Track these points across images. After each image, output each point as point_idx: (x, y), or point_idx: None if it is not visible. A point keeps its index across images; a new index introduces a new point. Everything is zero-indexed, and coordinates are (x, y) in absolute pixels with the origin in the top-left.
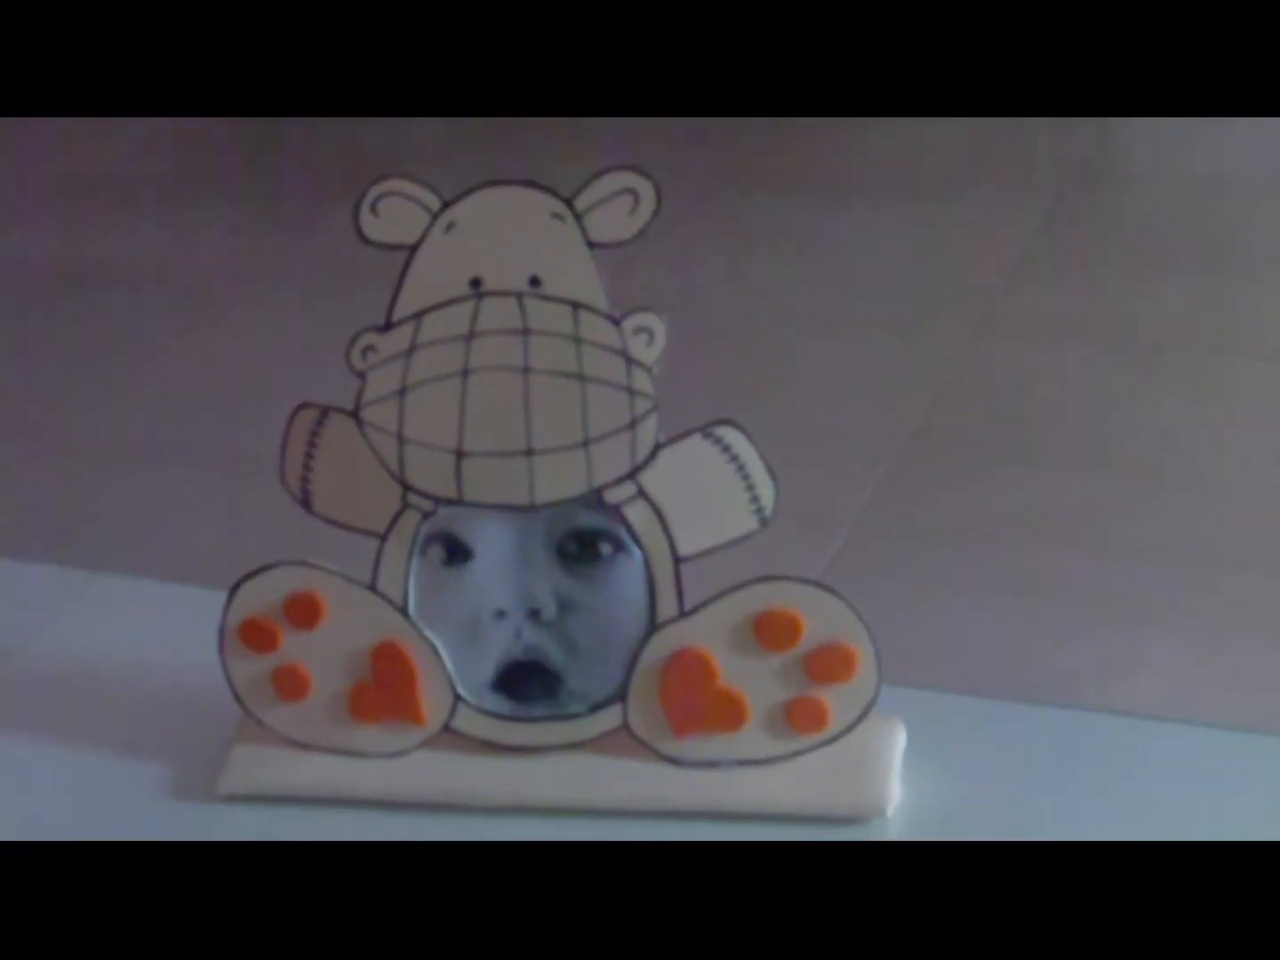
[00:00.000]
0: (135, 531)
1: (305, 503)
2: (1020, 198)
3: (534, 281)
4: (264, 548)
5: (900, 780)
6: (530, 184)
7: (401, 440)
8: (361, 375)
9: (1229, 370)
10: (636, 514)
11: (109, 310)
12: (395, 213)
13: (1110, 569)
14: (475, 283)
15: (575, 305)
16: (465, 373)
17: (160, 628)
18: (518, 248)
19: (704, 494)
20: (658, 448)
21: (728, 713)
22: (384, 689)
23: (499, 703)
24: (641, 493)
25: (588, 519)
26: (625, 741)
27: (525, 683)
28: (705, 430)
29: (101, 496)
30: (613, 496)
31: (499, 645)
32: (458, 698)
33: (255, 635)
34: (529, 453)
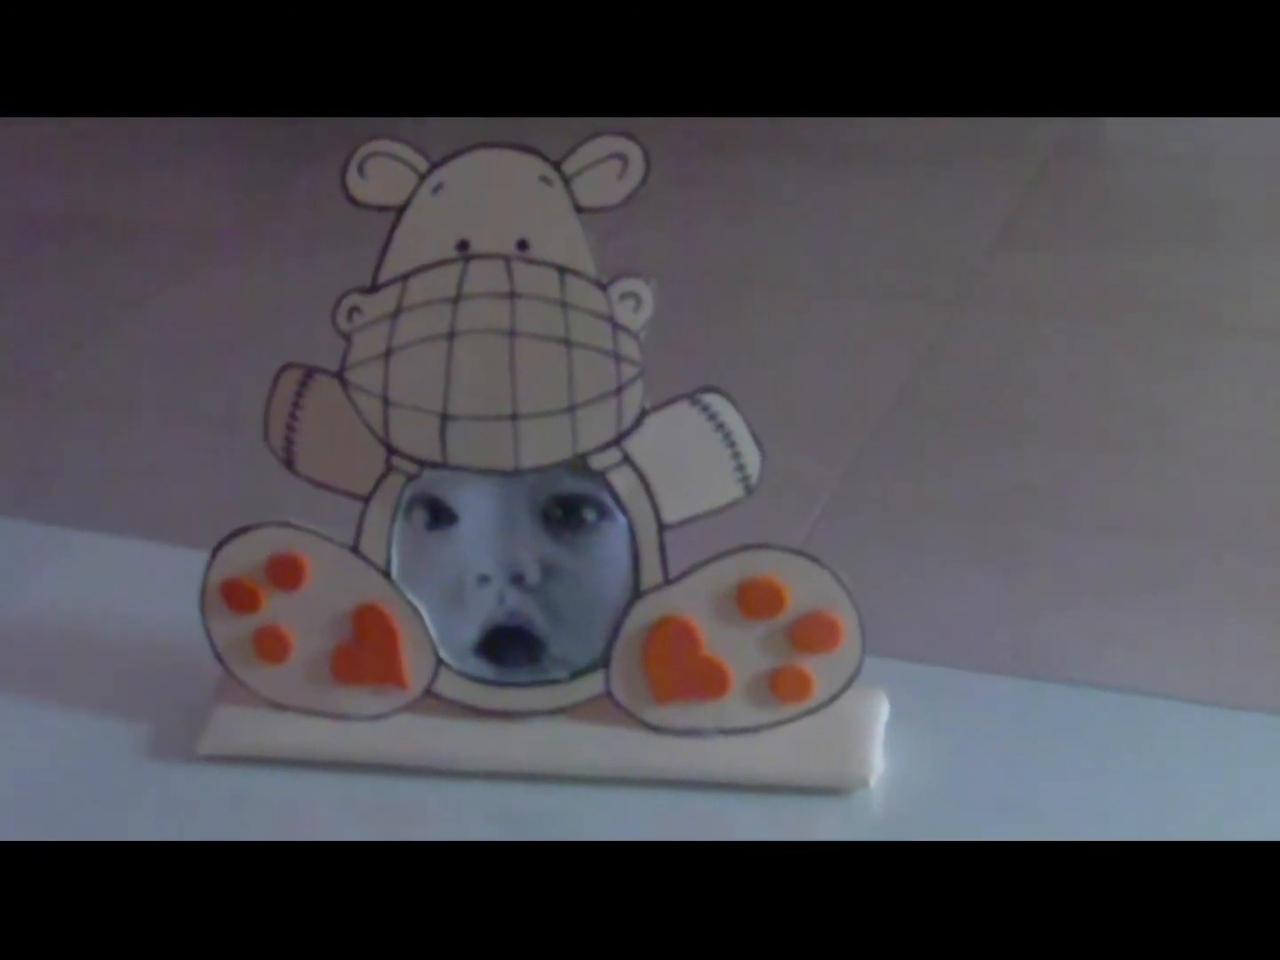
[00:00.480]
0: (114, 488)
1: (289, 463)
2: (1004, 169)
3: (522, 245)
4: (246, 507)
5: (883, 751)
6: (519, 147)
7: (387, 402)
8: (347, 337)
9: (1213, 345)
10: (621, 480)
11: (89, 262)
12: (383, 173)
13: (1092, 543)
14: (462, 245)
15: (562, 269)
16: (451, 335)
17: (140, 586)
18: (506, 210)
19: (689, 461)
20: (643, 414)
21: (710, 681)
22: (366, 651)
23: (481, 667)
24: (627, 459)
25: (572, 484)
26: (607, 708)
27: (508, 648)
28: (692, 397)
29: (79, 451)
30: (598, 462)
31: (482, 610)
32: (440, 661)
33: (237, 595)
34: (514, 417)
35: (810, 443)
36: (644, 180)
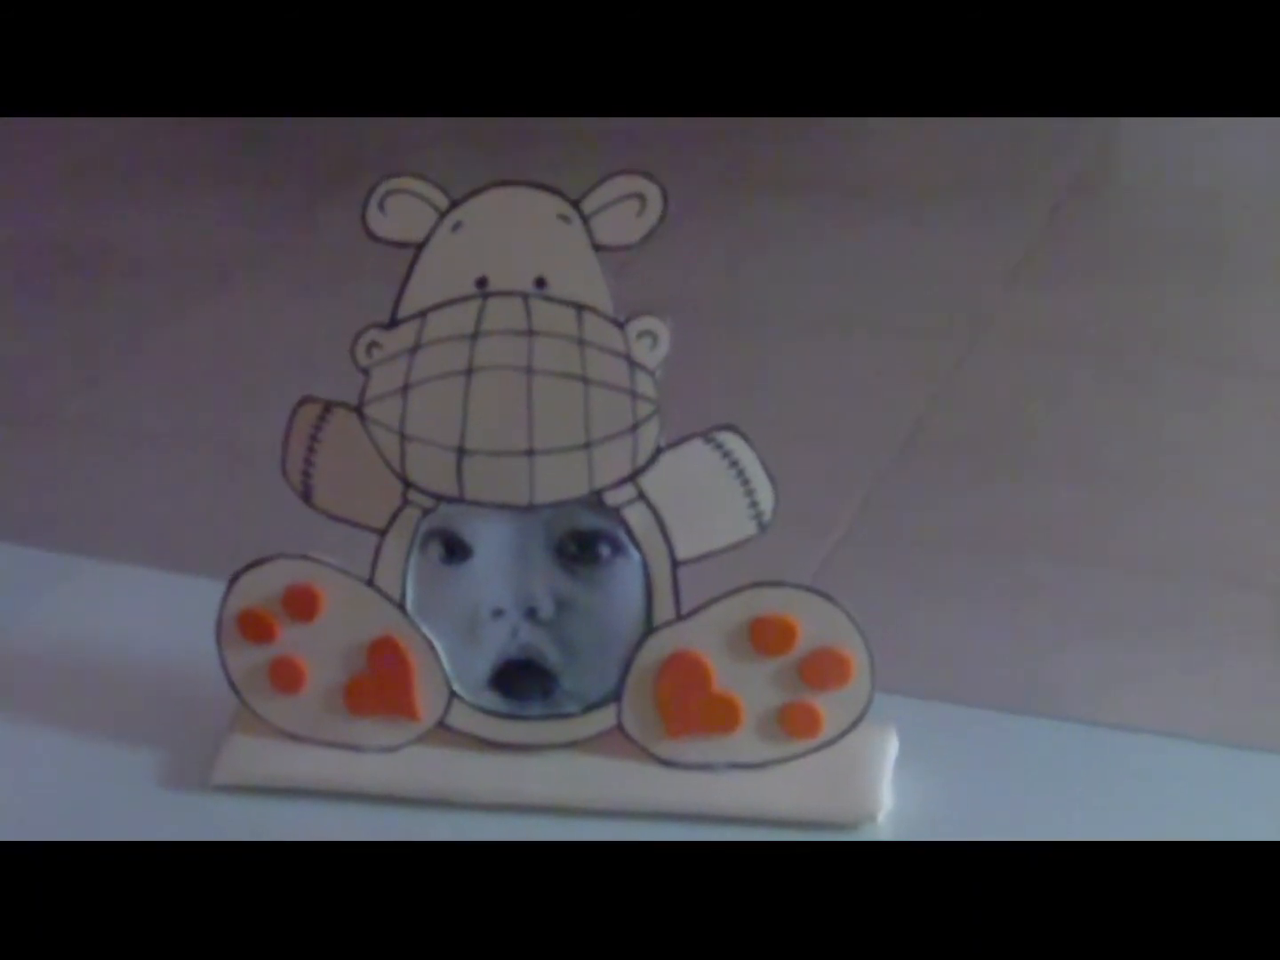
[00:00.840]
0: (129, 518)
1: (306, 496)
2: (1018, 205)
3: (540, 282)
4: (261, 538)
5: (891, 787)
6: (538, 185)
7: (404, 437)
8: (365, 371)
9: (1224, 384)
10: (636, 517)
11: (106, 294)
12: (403, 210)
13: (1102, 580)
14: (481, 282)
15: (580, 307)
16: (469, 371)
17: (155, 616)
18: (524, 248)
19: (703, 498)
20: (659, 451)
21: (721, 716)
22: (380, 684)
23: (494, 700)
24: (641, 496)
25: (587, 520)
26: (619, 742)
27: (521, 681)
28: (706, 435)
29: (94, 481)
30: (613, 499)
31: (496, 643)
32: (453, 694)
33: (253, 626)
34: (530, 453)
35: (824, 477)
36: (662, 219)
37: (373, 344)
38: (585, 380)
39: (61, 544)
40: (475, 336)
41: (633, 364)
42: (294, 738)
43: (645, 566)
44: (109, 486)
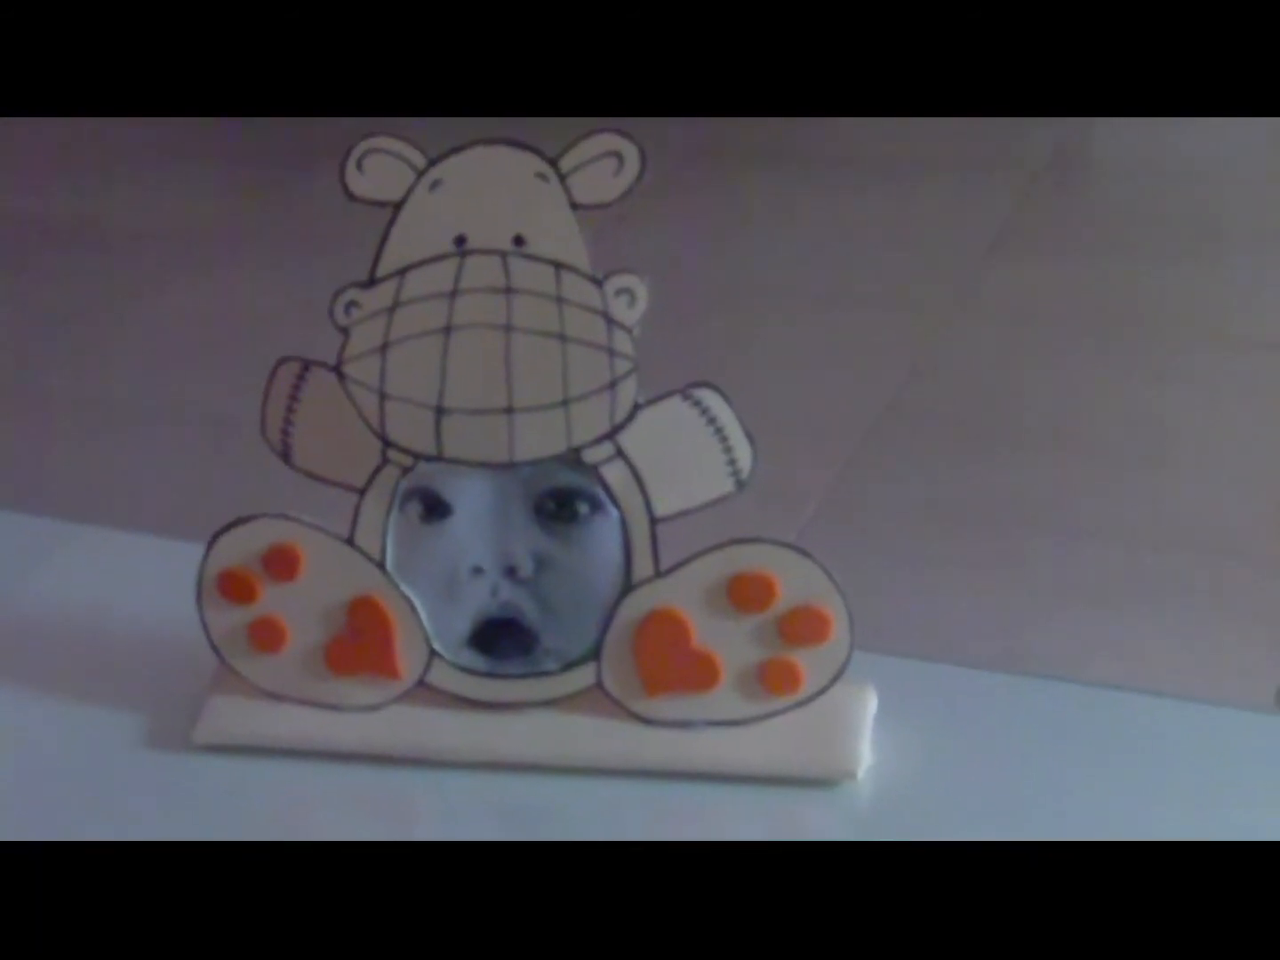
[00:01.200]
0: (113, 485)
1: (285, 456)
2: (997, 179)
3: (518, 241)
4: (242, 502)
5: (871, 744)
6: (515, 143)
7: (383, 396)
8: (344, 330)
9: (1206, 356)
10: (614, 474)
11: (86, 265)
12: (381, 169)
13: (1084, 551)
14: (459, 240)
15: (558, 265)
16: (448, 330)
17: (137, 579)
18: (502, 207)
19: (681, 455)
20: (636, 408)
21: (700, 673)
22: (360, 643)
23: (474, 659)
24: (620, 453)
25: (566, 478)
26: (598, 700)
27: (501, 639)
28: (684, 392)
29: (79, 450)
30: (591, 456)
31: (475, 602)
32: (433, 653)
33: (233, 586)
34: (509, 411)
35: (802, 448)
36: (639, 178)
37: (351, 303)
38: (563, 338)
39: (45, 510)
40: (454, 295)
41: (610, 321)
42: (275, 697)
43: (624, 524)
44: (94, 456)
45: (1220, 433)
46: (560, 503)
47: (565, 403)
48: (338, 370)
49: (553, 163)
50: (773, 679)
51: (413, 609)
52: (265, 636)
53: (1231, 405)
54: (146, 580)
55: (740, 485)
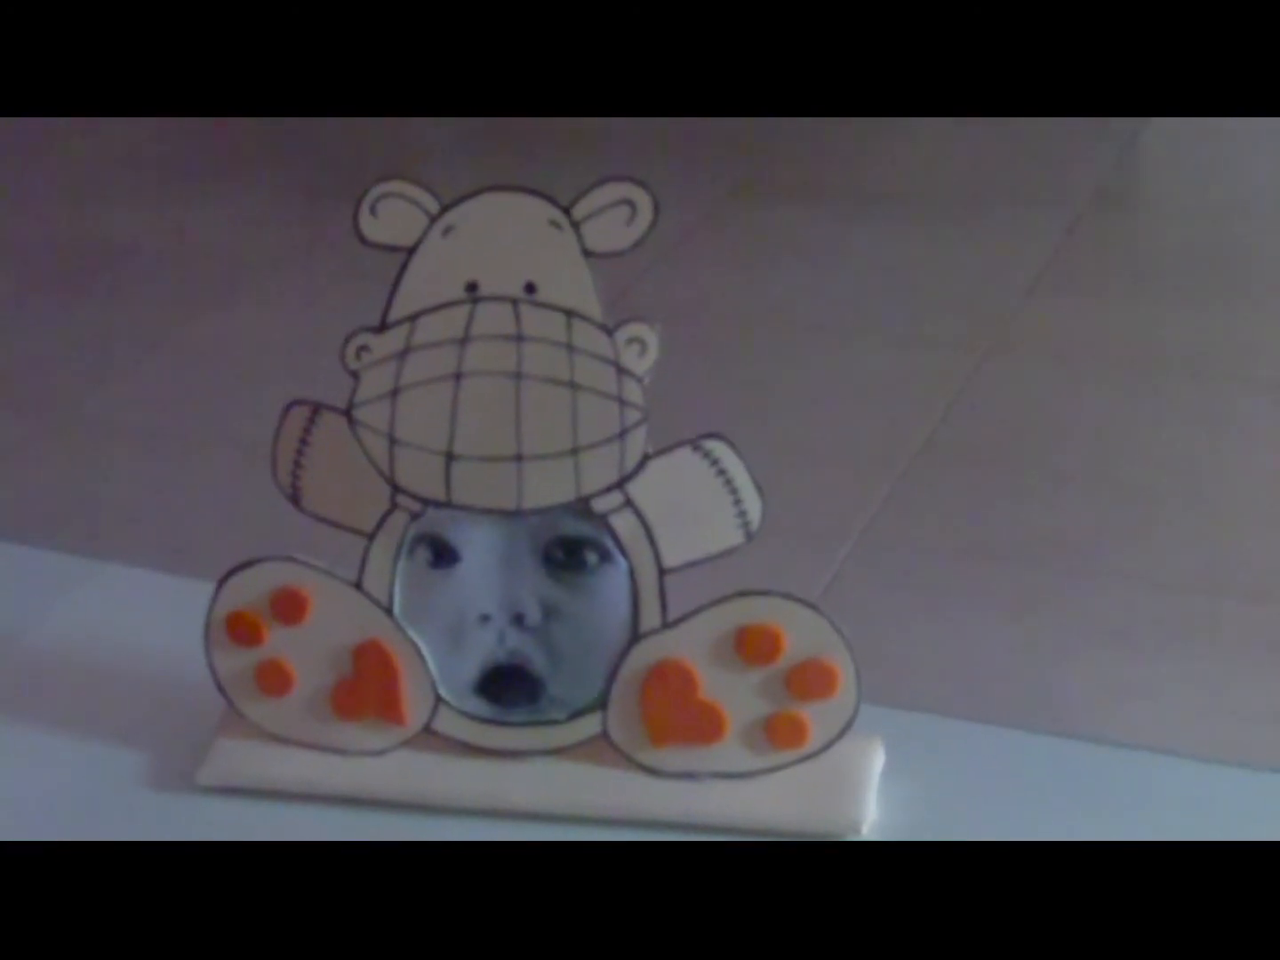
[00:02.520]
0: (140, 518)
1: (295, 498)
2: (1039, 217)
3: (529, 288)
4: (262, 540)
5: (877, 800)
6: (529, 190)
7: (392, 441)
8: (355, 375)
9: (1242, 400)
10: (623, 524)
11: (121, 292)
12: (394, 214)
13: (1115, 595)
14: (471, 287)
15: (569, 313)
16: (458, 376)
17: (153, 618)
18: (514, 254)
19: (690, 506)
20: (646, 459)
21: (707, 725)
22: (366, 687)
23: (480, 706)
24: (629, 503)
25: (574, 527)
26: (604, 750)
27: (507, 687)
28: (694, 443)
29: (103, 481)
30: (600, 505)
31: (482, 649)
32: (439, 699)
33: (240, 629)
34: (518, 458)
35: (838, 487)
36: (652, 226)
37: (362, 347)
38: (574, 386)
39: (71, 545)
40: (465, 341)
41: (621, 371)
42: (280, 740)
43: (632, 574)
44: (123, 486)
45: (1256, 476)
46: (568, 551)
47: (575, 451)
48: (348, 414)
49: (566, 210)
50: (779, 732)
51: (419, 655)
52: (271, 679)
53: (1268, 449)
54: (166, 620)
55: (749, 536)
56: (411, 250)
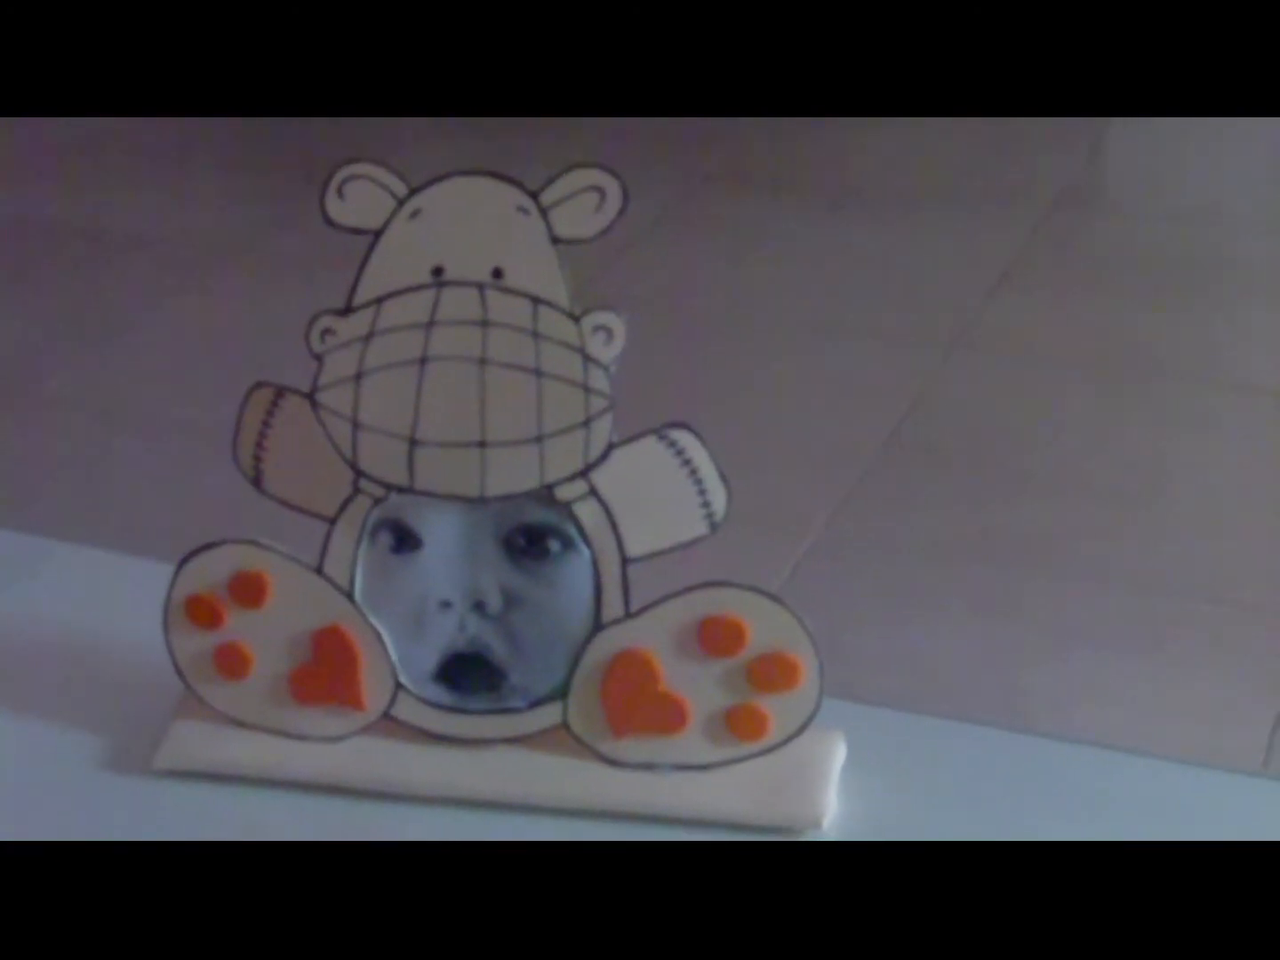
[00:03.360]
0: (101, 499)
1: (257, 481)
2: (1006, 215)
3: (496, 273)
4: (226, 523)
5: (838, 793)
6: (496, 175)
7: (355, 425)
8: (319, 358)
9: (1209, 400)
10: (587, 512)
11: (88, 272)
12: (361, 196)
13: (1079, 594)
14: (437, 271)
15: (536, 300)
16: (423, 361)
17: (114, 600)
18: (481, 238)
19: (655, 496)
20: (611, 447)
21: (668, 716)
22: (325, 673)
23: (440, 693)
24: (593, 491)
25: (537, 514)
26: (564, 739)
27: (467, 674)
28: (659, 433)
29: (68, 461)
30: (564, 494)
31: (443, 636)
32: (399, 686)
33: (200, 611)
34: (482, 445)
35: (801, 480)
36: (621, 213)
37: (327, 330)
38: (539, 373)
39: (31, 525)
40: (430, 326)
41: (587, 358)
42: (238, 724)
43: (595, 563)
44: (86, 467)
45: (1220, 477)
46: (531, 539)
47: (539, 439)
48: (311, 398)
49: (534, 196)
50: (740, 724)
51: (380, 641)
52: (230, 663)
53: (1232, 449)
54: (124, 600)
55: (714, 527)
56: (378, 233)
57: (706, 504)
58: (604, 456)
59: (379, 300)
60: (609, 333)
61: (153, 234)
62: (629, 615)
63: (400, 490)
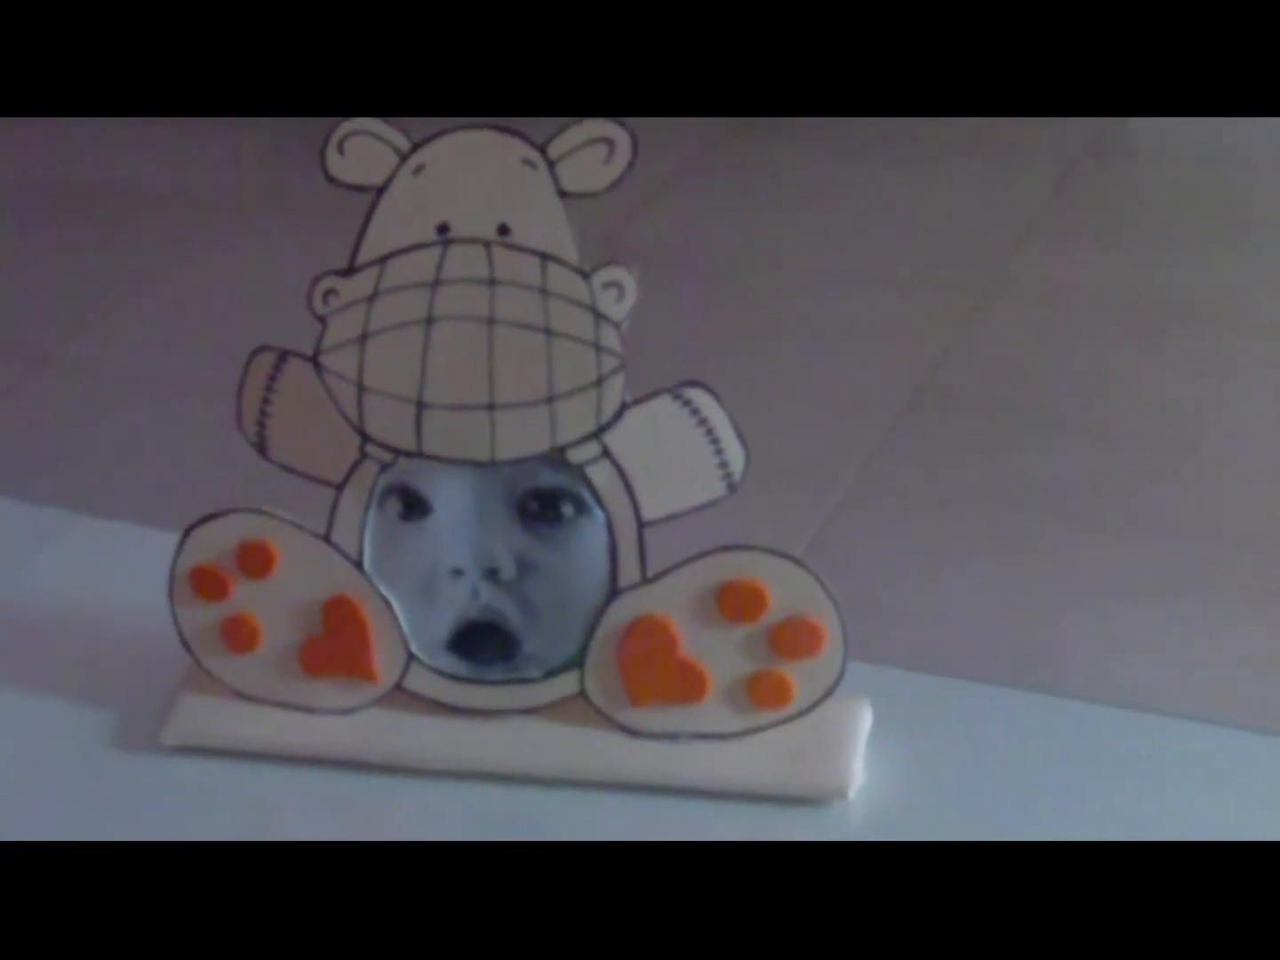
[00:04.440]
0: (115, 466)
1: (261, 448)
2: (1033, 164)
3: (502, 229)
4: (239, 491)
5: (864, 762)
6: (502, 128)
7: (361, 388)
8: (322, 320)
9: (1238, 345)
10: (600, 475)
11: (102, 235)
12: (363, 152)
13: (1108, 542)
14: (442, 228)
15: (544, 256)
16: (429, 321)
17: (128, 572)
18: (487, 194)
19: (671, 457)
20: (624, 407)
21: (687, 684)
22: (336, 644)
23: (453, 663)
24: (606, 453)
25: (550, 478)
26: (581, 709)
27: (481, 644)
28: (674, 391)
29: (83, 427)
30: (576, 456)
31: (455, 604)
32: (411, 656)
33: (205, 582)
34: (491, 407)
35: (829, 433)
36: (630, 166)
37: (330, 291)
38: (548, 332)
39: (44, 495)
40: (435, 285)
41: (598, 316)
42: (247, 698)
43: (610, 527)
44: (96, 433)
45: (1252, 422)
46: (544, 503)
47: (550, 400)
48: (315, 361)
49: (540, 149)
50: (762, 692)
51: (390, 610)
52: (237, 635)
53: (1264, 394)
54: (138, 573)
55: (732, 488)
56: (380, 190)
57: (724, 464)
58: (617, 417)
59: (383, 259)
60: (620, 289)
61: (164, 195)
62: (646, 580)
63: (408, 455)
